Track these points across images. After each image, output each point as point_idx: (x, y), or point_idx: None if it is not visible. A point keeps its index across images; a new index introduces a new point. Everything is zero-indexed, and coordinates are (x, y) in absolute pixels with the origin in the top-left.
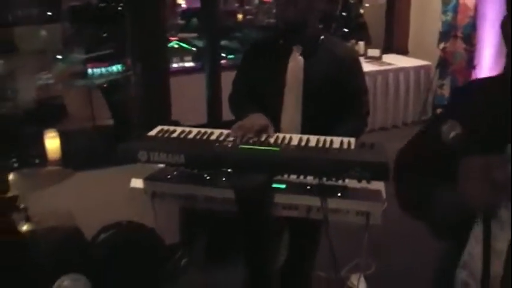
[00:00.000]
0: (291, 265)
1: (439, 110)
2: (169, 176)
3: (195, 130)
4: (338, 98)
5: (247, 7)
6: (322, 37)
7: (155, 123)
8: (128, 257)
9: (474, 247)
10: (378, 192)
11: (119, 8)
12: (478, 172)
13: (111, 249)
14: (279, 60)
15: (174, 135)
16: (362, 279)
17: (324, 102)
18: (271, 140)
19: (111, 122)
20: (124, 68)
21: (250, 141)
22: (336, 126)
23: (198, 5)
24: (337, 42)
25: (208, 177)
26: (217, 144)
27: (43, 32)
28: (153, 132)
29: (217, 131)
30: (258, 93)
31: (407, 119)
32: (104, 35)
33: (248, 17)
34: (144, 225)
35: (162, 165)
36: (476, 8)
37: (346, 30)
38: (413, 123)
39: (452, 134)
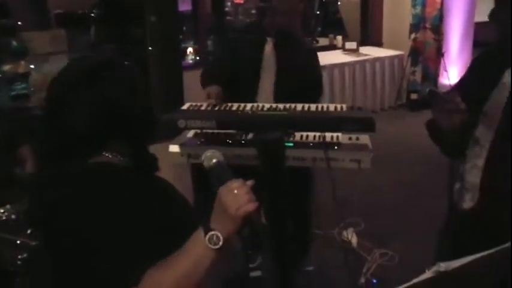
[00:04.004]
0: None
1: (413, 95)
2: (199, 142)
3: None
4: (301, 82)
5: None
6: (291, 33)
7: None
8: None
9: (465, 164)
10: (365, 145)
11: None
12: (438, 106)
13: None
14: (256, 49)
15: (203, 108)
16: (353, 234)
17: (291, 81)
18: (280, 107)
19: None
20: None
21: (265, 108)
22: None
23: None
24: (299, 37)
25: (230, 141)
26: (239, 112)
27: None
28: (185, 107)
29: (235, 104)
30: (237, 76)
31: (384, 105)
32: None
33: (228, 18)
34: None
35: (190, 135)
36: (442, 1)
37: (324, 26)
38: (390, 108)
39: (427, 90)
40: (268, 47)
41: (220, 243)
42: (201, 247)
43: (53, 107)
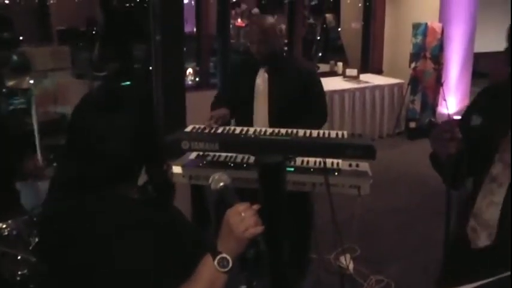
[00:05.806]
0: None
1: (412, 123)
2: (200, 164)
3: (221, 127)
4: (300, 102)
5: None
6: (284, 57)
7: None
8: None
9: (481, 201)
10: (365, 172)
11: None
12: (436, 135)
13: None
14: (251, 76)
15: (206, 130)
16: (350, 259)
17: (286, 106)
18: (283, 132)
19: None
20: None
21: (267, 133)
22: (298, 122)
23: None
24: (297, 60)
25: (231, 164)
26: (242, 135)
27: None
28: (188, 129)
29: (238, 128)
30: (238, 101)
31: (383, 132)
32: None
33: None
34: None
35: (192, 157)
36: (443, 32)
37: (325, 52)
38: (389, 136)
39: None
40: (261, 74)
41: (230, 265)
42: (212, 271)
43: (74, 136)
